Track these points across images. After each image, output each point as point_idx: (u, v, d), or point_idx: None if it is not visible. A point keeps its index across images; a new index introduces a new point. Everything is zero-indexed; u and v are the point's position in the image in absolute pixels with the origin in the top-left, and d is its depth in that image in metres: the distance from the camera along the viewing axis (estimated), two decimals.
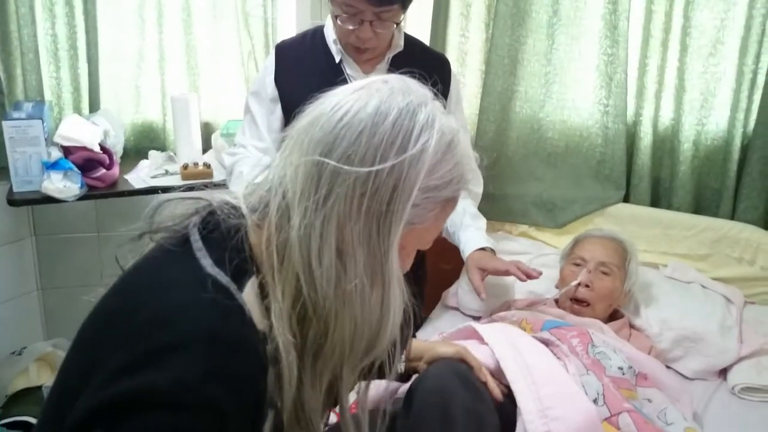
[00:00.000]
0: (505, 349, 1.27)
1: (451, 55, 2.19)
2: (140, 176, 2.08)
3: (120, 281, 0.77)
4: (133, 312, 0.69)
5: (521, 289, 1.84)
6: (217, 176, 2.08)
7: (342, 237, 0.72)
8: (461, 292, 1.89)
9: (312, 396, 0.77)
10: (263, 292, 0.75)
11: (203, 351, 0.66)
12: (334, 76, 1.59)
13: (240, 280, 0.72)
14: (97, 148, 1.97)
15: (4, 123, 1.85)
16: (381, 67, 1.64)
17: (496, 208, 2.13)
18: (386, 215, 0.72)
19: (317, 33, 1.67)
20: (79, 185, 1.89)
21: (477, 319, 1.79)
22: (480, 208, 1.83)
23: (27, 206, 2.09)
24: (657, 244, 1.99)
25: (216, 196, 0.81)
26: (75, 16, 2.10)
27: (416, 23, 2.21)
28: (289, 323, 0.73)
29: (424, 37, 2.13)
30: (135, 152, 2.29)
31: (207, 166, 2.10)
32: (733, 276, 1.90)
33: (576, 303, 1.66)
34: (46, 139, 1.90)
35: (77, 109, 2.18)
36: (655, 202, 2.11)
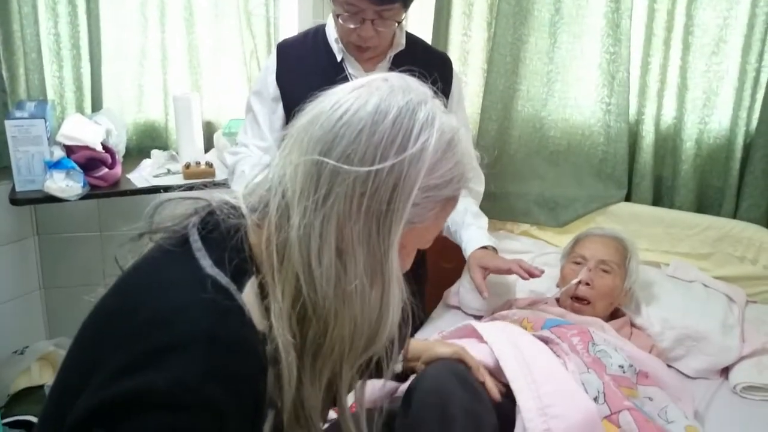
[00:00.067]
0: (505, 348, 1.27)
1: (453, 53, 2.19)
2: (142, 175, 2.09)
3: (120, 281, 0.77)
4: (133, 312, 0.69)
5: (522, 288, 1.83)
6: (220, 175, 2.08)
7: (342, 236, 0.72)
8: (463, 290, 1.89)
9: (311, 394, 0.77)
10: (263, 293, 0.74)
11: (202, 351, 0.66)
12: (336, 75, 1.58)
13: (240, 281, 0.72)
14: (99, 148, 1.98)
15: (7, 122, 1.86)
16: (382, 66, 1.64)
17: (498, 207, 2.13)
18: (386, 214, 0.72)
19: (319, 32, 1.67)
20: (82, 184, 1.89)
21: (478, 318, 1.79)
22: (482, 207, 1.83)
23: (30, 205, 2.09)
24: (659, 242, 1.99)
25: (215, 196, 0.80)
26: (78, 16, 2.10)
27: (418, 22, 2.21)
28: (288, 323, 0.73)
29: (426, 35, 2.13)
30: (137, 151, 2.30)
31: (209, 165, 2.11)
32: (736, 275, 1.89)
33: (576, 301, 1.66)
34: (48, 139, 1.90)
35: (80, 109, 2.19)
36: (657, 201, 2.10)
